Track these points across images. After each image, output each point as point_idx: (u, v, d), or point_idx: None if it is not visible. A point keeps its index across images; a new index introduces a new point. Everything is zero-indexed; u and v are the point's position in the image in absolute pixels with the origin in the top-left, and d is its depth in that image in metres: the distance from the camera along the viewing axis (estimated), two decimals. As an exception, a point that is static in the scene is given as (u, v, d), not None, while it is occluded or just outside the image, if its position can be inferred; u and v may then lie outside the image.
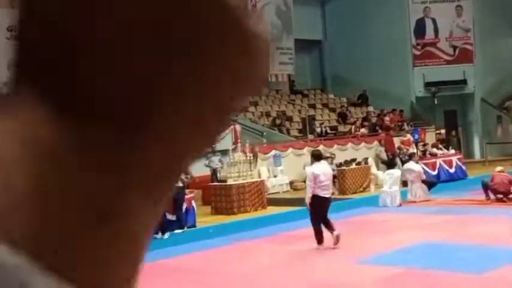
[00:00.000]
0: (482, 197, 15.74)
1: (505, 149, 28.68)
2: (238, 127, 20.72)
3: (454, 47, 30.44)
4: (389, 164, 21.11)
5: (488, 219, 13.11)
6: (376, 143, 24.35)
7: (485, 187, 15.62)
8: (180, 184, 13.87)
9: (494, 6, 31.55)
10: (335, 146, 23.19)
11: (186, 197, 14.38)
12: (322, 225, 11.02)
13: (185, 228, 13.96)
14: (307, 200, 11.11)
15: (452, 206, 15.24)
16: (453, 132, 29.50)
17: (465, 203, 15.68)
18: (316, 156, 11.75)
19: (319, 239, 10.95)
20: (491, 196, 15.49)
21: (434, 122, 28.63)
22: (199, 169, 18.10)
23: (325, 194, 11.08)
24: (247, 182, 16.64)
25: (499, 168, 15.92)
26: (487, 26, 30.66)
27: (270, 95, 28.91)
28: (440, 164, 21.53)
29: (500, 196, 15.34)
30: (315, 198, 10.95)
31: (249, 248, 11.72)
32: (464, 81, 30.05)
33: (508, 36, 32.92)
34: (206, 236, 12.99)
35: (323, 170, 11.26)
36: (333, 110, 29.42)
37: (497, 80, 31.83)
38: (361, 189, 19.61)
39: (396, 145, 23.08)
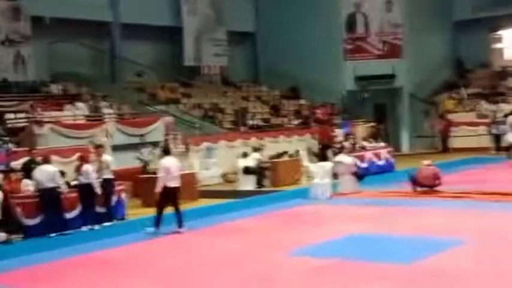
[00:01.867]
0: (410, 189, 16.09)
1: (431, 143, 29.48)
2: (170, 119, 20.52)
3: (384, 42, 30.99)
4: (321, 157, 21.34)
5: (416, 210, 13.43)
6: (308, 135, 24.56)
7: (412, 180, 15.97)
8: (111, 176, 13.65)
9: (424, 3, 32.30)
10: (267, 138, 23.27)
11: (116, 189, 14.12)
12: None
13: (115, 221, 13.70)
14: (158, 190, 12.42)
15: (381, 198, 15.53)
16: (381, 126, 30.05)
17: (393, 195, 15.99)
18: (166, 151, 13.00)
19: (158, 223, 12.33)
20: (418, 188, 15.86)
21: (365, 116, 29.10)
22: (130, 161, 17.87)
23: (175, 184, 12.52)
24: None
25: (426, 162, 16.30)
26: (417, 22, 31.34)
27: (202, 86, 28.74)
28: (370, 156, 21.89)
29: (426, 188, 15.73)
30: (167, 188, 12.35)
31: (181, 241, 11.63)
32: (393, 76, 30.63)
33: (436, 33, 33.78)
34: (136, 228, 12.79)
35: (173, 163, 12.65)
36: (265, 103, 29.49)
37: (425, 75, 32.63)
38: (293, 181, 19.72)
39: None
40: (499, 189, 15.30)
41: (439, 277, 7.86)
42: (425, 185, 15.73)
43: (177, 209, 12.50)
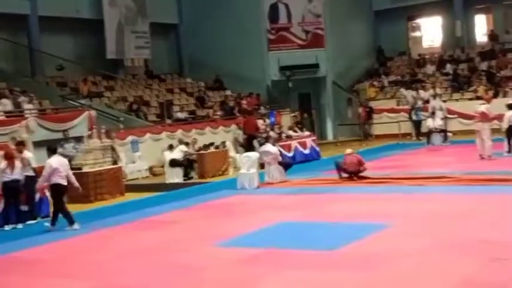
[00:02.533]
0: (335, 176, 16.38)
1: (355, 130, 30.07)
2: (93, 113, 20.16)
3: (307, 32, 31.36)
4: (247, 147, 21.46)
5: (341, 197, 13.69)
6: (234, 126, 24.63)
7: (338, 167, 16.27)
8: (32, 173, 13.30)
9: (343, -7, 32.84)
10: (193, 130, 23.22)
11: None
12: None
13: (39, 219, 13.39)
14: (39, 186, 12.82)
15: (308, 186, 15.75)
16: (306, 115, 30.45)
17: (319, 182, 16.24)
18: (52, 150, 12.81)
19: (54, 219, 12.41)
20: (344, 175, 16.17)
21: (290, 105, 29.40)
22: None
23: (63, 182, 12.42)
24: (104, 169, 16.23)
25: (348, 151, 16.59)
26: (337, 12, 31.86)
27: (126, 79, 28.36)
28: (295, 145, 22.15)
29: (351, 175, 16.04)
30: (56, 186, 12.35)
31: (108, 236, 11.46)
32: (316, 65, 31.07)
33: (356, 22, 34.47)
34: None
35: (60, 162, 12.57)
36: (190, 94, 29.38)
37: (347, 64, 33.26)
38: (220, 172, 19.77)
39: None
40: (420, 174, 15.83)
41: (363, 261, 8.05)
42: (351, 172, 16.03)
43: (62, 208, 12.39)
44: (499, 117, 18.93)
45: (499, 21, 33.98)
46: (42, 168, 12.78)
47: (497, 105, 19.66)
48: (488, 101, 19.61)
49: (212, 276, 8.05)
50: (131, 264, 8.99)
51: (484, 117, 18.09)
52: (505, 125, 18.14)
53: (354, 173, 16.01)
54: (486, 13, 34.95)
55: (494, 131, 18.51)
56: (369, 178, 15.81)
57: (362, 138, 28.77)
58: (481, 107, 18.40)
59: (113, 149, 18.06)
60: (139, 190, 17.39)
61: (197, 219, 12.50)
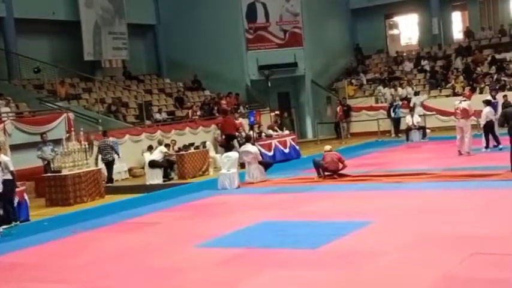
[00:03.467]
0: (315, 175, 16.41)
1: (334, 128, 30.14)
2: (71, 115, 20.01)
3: (285, 31, 31.38)
4: (227, 147, 21.43)
5: (322, 196, 13.71)
6: (213, 126, 24.59)
7: (317, 166, 16.29)
8: (9, 177, 13.15)
9: (321, -9, 32.94)
10: (173, 131, 23.16)
11: (18, 189, 13.64)
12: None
13: (17, 223, 13.24)
14: None
15: (289, 185, 15.77)
16: (286, 114, 30.47)
17: (300, 181, 16.27)
18: None
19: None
20: (324, 173, 16.17)
21: (269, 104, 29.43)
22: (31, 160, 17.32)
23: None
24: (83, 172, 16.11)
25: (327, 148, 16.64)
26: (314, 10, 31.94)
27: (104, 81, 28.18)
28: (275, 144, 22.15)
29: (331, 173, 16.07)
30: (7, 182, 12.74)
31: (88, 239, 11.36)
32: (295, 64, 31.11)
33: (333, 21, 34.59)
34: (41, 229, 12.44)
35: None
36: (169, 95, 29.28)
37: (325, 62, 33.37)
38: (200, 173, 19.73)
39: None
40: (399, 171, 15.92)
41: (345, 259, 8.06)
42: (331, 170, 16.07)
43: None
44: (477, 114, 19.09)
45: (475, 18, 34.29)
46: (21, 170, 12.70)
47: (474, 102, 19.81)
48: (469, 97, 19.77)
49: (194, 277, 8.01)
50: (112, 267, 8.93)
51: (466, 114, 18.23)
52: (482, 121, 18.30)
53: (334, 171, 16.04)
54: (462, 10, 35.28)
55: (472, 127, 18.67)
56: (349, 176, 15.88)
57: (340, 137, 28.84)
58: (463, 103, 18.53)
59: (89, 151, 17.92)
60: (119, 192, 17.29)
61: (178, 220, 12.45)
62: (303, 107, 32.39)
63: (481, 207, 10.78)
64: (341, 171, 16.06)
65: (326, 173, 16.08)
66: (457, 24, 35.55)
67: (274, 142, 22.17)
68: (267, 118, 27.17)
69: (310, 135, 31.82)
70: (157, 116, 25.40)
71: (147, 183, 18.76)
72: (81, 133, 16.90)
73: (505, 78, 28.43)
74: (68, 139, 16.41)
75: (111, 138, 19.63)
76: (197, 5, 30.63)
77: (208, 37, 30.37)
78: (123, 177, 20.79)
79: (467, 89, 27.73)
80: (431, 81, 30.84)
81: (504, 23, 33.01)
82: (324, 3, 33.23)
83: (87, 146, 16.91)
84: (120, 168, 20.79)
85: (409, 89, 29.60)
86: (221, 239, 10.05)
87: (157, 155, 19.30)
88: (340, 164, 16.07)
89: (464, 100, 19.01)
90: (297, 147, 23.32)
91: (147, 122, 24.32)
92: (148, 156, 19.41)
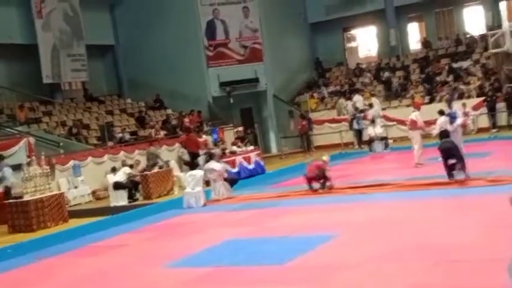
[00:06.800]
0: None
1: (298, 142, 30.28)
2: (32, 139, 19.74)
3: (245, 47, 31.52)
4: (192, 165, 21.35)
5: (287, 211, 13.74)
6: (177, 144, 24.48)
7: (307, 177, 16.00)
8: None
9: (279, 7, 33.21)
10: (136, 151, 22.96)
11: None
12: None
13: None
14: None
15: (254, 201, 15.77)
16: (249, 130, 30.51)
17: (265, 197, 16.26)
18: None
19: None
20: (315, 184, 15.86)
21: (232, 121, 29.44)
22: (-9, 187, 16.99)
23: None
24: (45, 196, 15.85)
25: (324, 157, 16.37)
26: (273, 26, 32.17)
27: (64, 103, 27.89)
28: (240, 161, 22.15)
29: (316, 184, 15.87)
30: None
31: (53, 265, 11.19)
32: (256, 80, 31.23)
33: (293, 35, 34.87)
34: (5, 257, 12.19)
35: None
36: (131, 115, 29.10)
37: (287, 76, 33.58)
38: (165, 192, 19.59)
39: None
40: (363, 182, 16.04)
41: (312, 274, 8.08)
42: (311, 179, 15.88)
43: None
44: (432, 123, 19.11)
45: (431, 28, 34.94)
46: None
47: (433, 111, 20.01)
48: (418, 107, 19.86)
49: (162, 299, 7.95)
50: (78, 293, 8.80)
51: (414, 125, 18.43)
52: (436, 131, 18.05)
53: (313, 180, 15.78)
54: (418, 21, 35.90)
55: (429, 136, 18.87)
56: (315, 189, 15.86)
57: (304, 150, 28.96)
58: (411, 114, 18.75)
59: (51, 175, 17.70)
60: (84, 215, 17.05)
61: (144, 241, 12.35)
62: (266, 122, 32.50)
63: (443, 215, 10.91)
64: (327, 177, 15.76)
65: (317, 185, 15.79)
66: (415, 35, 36.14)
67: (238, 158, 22.17)
68: (230, 135, 27.18)
69: (274, 150, 31.90)
70: (120, 136, 25.17)
71: (112, 205, 18.56)
72: (42, 157, 16.66)
73: (463, 87, 28.96)
74: (29, 164, 16.16)
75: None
76: (156, 24, 30.59)
77: (168, 55, 30.34)
78: (86, 200, 20.53)
79: (417, 98, 28.10)
80: (388, 93, 31.29)
81: (459, 32, 33.69)
82: (282, 19, 33.49)
83: (48, 170, 16.68)
84: (83, 191, 20.55)
85: (361, 100, 29.82)
86: (189, 259, 10.00)
87: (121, 176, 19.12)
88: (321, 172, 15.78)
89: (414, 111, 19.18)
90: (262, 162, 23.35)
91: (110, 143, 24.10)
92: (112, 178, 19.21)
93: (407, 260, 8.15)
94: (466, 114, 22.84)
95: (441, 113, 17.52)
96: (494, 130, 25.76)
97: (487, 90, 27.76)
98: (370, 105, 27.48)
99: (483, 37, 31.26)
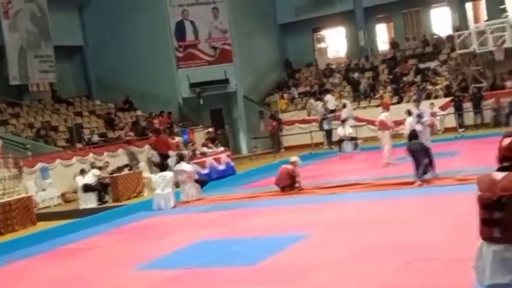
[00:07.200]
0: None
1: (268, 143, 30.31)
2: (-1, 142, 19.46)
3: (214, 48, 31.45)
4: (162, 166, 21.22)
5: (257, 211, 13.75)
6: (147, 146, 24.34)
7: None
8: None
9: (248, 8, 33.22)
10: (105, 153, 22.77)
11: None
12: None
13: None
14: None
15: (225, 202, 15.75)
16: (220, 131, 30.47)
17: (236, 198, 16.25)
18: None
19: None
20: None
21: (202, 122, 29.37)
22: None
23: None
24: (13, 199, 15.65)
25: (291, 159, 16.33)
26: (243, 26, 32.16)
27: (32, 105, 27.54)
28: (210, 162, 22.08)
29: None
30: None
31: (22, 269, 11.05)
32: (226, 81, 31.18)
33: (263, 36, 34.90)
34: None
35: None
36: (100, 117, 28.84)
37: (256, 77, 33.60)
38: (135, 194, 19.46)
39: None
40: (333, 182, 16.11)
41: (283, 274, 8.10)
42: (283, 186, 15.83)
43: None
44: (401, 123, 19.27)
45: (399, 29, 35.25)
46: None
47: (402, 111, 20.16)
48: (387, 108, 19.96)
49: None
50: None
51: (383, 125, 18.57)
52: (406, 131, 18.11)
53: (286, 187, 15.78)
54: (387, 22, 36.21)
55: (399, 136, 19.00)
56: (285, 190, 15.90)
57: (274, 151, 28.99)
58: (381, 115, 18.89)
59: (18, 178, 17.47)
60: (52, 218, 16.85)
61: (114, 244, 12.26)
62: (237, 122, 32.47)
63: (413, 215, 11.02)
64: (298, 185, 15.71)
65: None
66: (383, 35, 36.45)
67: (208, 159, 22.11)
68: (200, 136, 27.10)
69: (245, 150, 31.89)
70: (91, 137, 24.93)
71: (81, 207, 18.39)
72: (10, 160, 16.44)
73: (430, 87, 29.29)
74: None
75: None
76: (125, 25, 30.36)
77: (138, 56, 30.14)
78: (55, 202, 20.30)
79: (386, 98, 28.36)
80: (356, 94, 31.53)
81: (426, 33, 34.05)
82: (252, 20, 33.50)
83: (17, 172, 16.47)
84: (52, 193, 20.31)
85: (332, 101, 29.99)
86: (159, 261, 9.94)
87: (90, 178, 18.95)
88: (291, 178, 15.74)
89: (383, 111, 19.32)
90: (232, 163, 23.31)
91: (78, 145, 23.86)
92: (81, 180, 19.03)
93: (378, 259, 8.21)
94: (433, 114, 23.07)
95: (409, 113, 17.61)
96: (461, 130, 26.08)
97: (454, 90, 28.12)
98: (344, 106, 27.69)
99: (450, 38, 31.63)
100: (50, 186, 20.40)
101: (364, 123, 27.93)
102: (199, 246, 10.75)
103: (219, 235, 11.57)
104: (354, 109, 29.08)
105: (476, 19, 32.88)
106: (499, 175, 4.26)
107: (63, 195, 20.81)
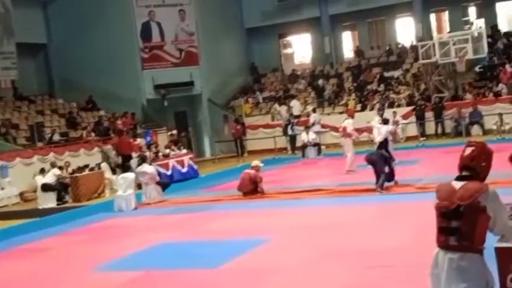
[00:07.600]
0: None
1: (232, 147, 30.32)
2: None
3: (180, 50, 31.33)
4: (123, 168, 21.04)
5: (219, 215, 13.72)
6: (109, 147, 24.11)
7: None
8: None
9: (215, 11, 33.19)
10: (67, 153, 22.50)
11: None
12: None
13: None
14: None
15: (187, 205, 15.67)
16: (183, 133, 30.35)
17: (198, 201, 16.21)
18: None
19: None
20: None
21: (166, 124, 29.21)
22: None
23: None
24: (-30, 198, 15.36)
25: (253, 163, 16.34)
26: (210, 29, 32.11)
27: (-8, 102, 27.07)
28: (173, 164, 21.97)
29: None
30: None
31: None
32: (191, 83, 31.08)
33: (229, 40, 34.91)
34: None
35: None
36: (62, 116, 28.47)
37: (222, 81, 33.58)
38: (96, 195, 19.26)
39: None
40: (296, 188, 16.17)
41: (245, 277, 8.10)
42: (245, 192, 15.83)
43: None
44: (366, 130, 19.39)
45: (364, 37, 35.62)
46: None
47: (365, 118, 20.39)
48: (351, 115, 20.04)
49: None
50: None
51: (345, 132, 18.70)
52: (378, 139, 17.97)
53: (248, 193, 15.72)
54: (352, 30, 36.54)
55: (368, 143, 19.13)
56: (248, 194, 15.89)
57: (237, 155, 29.00)
58: (344, 122, 19.00)
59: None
60: (10, 218, 16.58)
61: (73, 244, 12.10)
62: (201, 125, 32.38)
63: (375, 221, 11.12)
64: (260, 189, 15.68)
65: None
66: (348, 43, 36.77)
67: (171, 162, 21.99)
68: (164, 138, 26.95)
69: (208, 154, 31.81)
70: (49, 136, 24.59)
71: (40, 207, 18.13)
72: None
73: (394, 96, 29.64)
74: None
75: None
76: (91, 24, 30.06)
77: (102, 56, 29.84)
78: (13, 201, 19.97)
79: (350, 105, 28.60)
80: (320, 100, 31.74)
81: (391, 42, 34.46)
82: (219, 23, 33.49)
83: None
84: (10, 192, 19.98)
85: (298, 107, 30.16)
86: (119, 262, 9.85)
87: (50, 177, 18.70)
88: (253, 184, 15.69)
89: (347, 118, 19.43)
90: (195, 166, 23.23)
91: (39, 144, 23.53)
92: (40, 180, 18.76)
93: (339, 265, 8.26)
94: (396, 122, 23.31)
95: (385, 122, 17.52)
96: (422, 138, 26.43)
97: (416, 99, 28.49)
98: (314, 110, 27.80)
99: (413, 48, 32.05)
100: (8, 185, 20.08)
101: (327, 129, 28.11)
102: (160, 248, 10.68)
103: (180, 238, 11.51)
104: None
105: (440, 30, 33.43)
106: (458, 184, 4.32)
107: (21, 194, 20.51)
